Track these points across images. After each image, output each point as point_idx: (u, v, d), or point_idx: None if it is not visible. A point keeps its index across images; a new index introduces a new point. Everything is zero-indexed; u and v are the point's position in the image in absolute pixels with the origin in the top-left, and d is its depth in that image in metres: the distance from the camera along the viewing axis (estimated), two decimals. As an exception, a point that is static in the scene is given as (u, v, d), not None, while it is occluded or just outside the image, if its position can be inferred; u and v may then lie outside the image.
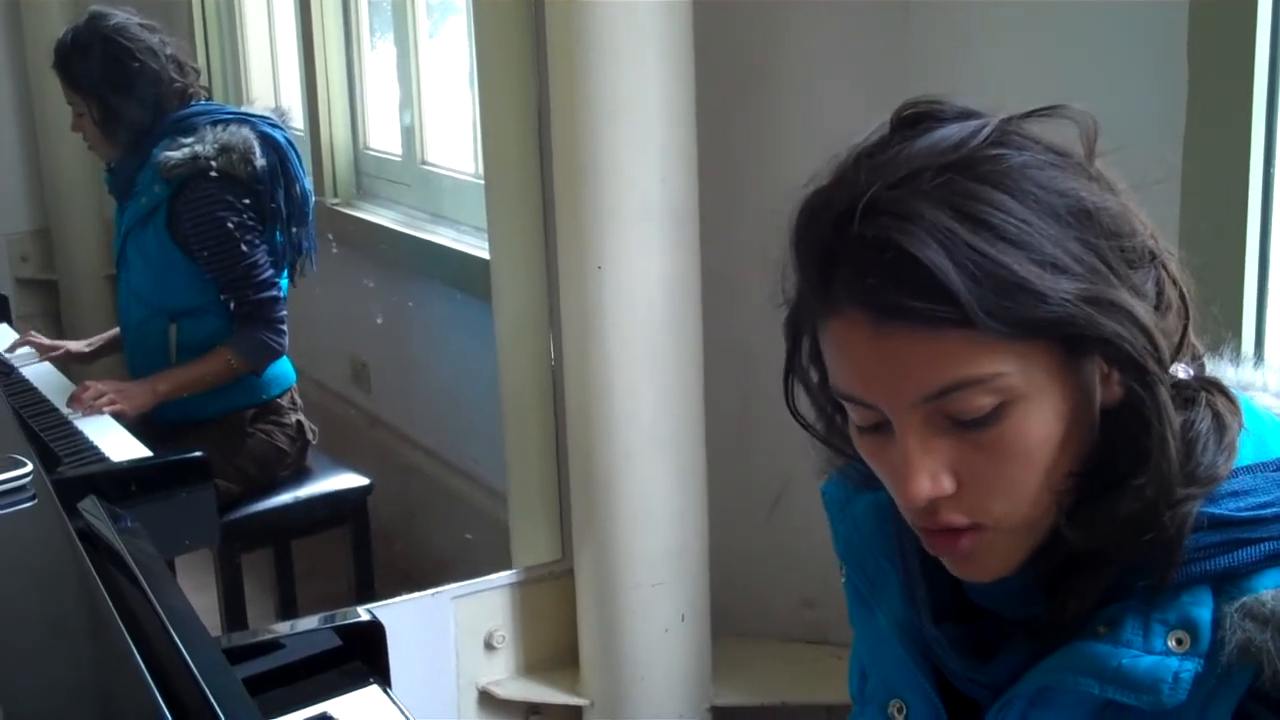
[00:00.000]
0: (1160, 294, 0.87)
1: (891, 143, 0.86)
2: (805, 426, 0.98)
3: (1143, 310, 0.84)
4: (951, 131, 0.85)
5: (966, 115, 0.87)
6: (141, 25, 2.67)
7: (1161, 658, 0.84)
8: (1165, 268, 0.88)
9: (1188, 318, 0.89)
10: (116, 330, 2.88)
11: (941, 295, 0.80)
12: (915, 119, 0.88)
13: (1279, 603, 0.82)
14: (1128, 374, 0.85)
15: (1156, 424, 0.85)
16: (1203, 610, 0.85)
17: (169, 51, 2.68)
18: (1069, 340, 0.83)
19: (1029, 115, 0.88)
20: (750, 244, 2.34)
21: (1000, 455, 0.85)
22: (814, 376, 0.94)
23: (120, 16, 2.66)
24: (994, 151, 0.84)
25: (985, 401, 0.83)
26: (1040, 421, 0.84)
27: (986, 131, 0.85)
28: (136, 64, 2.63)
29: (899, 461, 0.86)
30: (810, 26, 2.28)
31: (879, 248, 0.81)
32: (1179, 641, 0.84)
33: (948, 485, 0.85)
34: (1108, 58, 1.83)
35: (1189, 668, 0.83)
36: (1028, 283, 0.81)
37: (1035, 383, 0.84)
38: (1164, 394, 0.85)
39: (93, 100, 2.65)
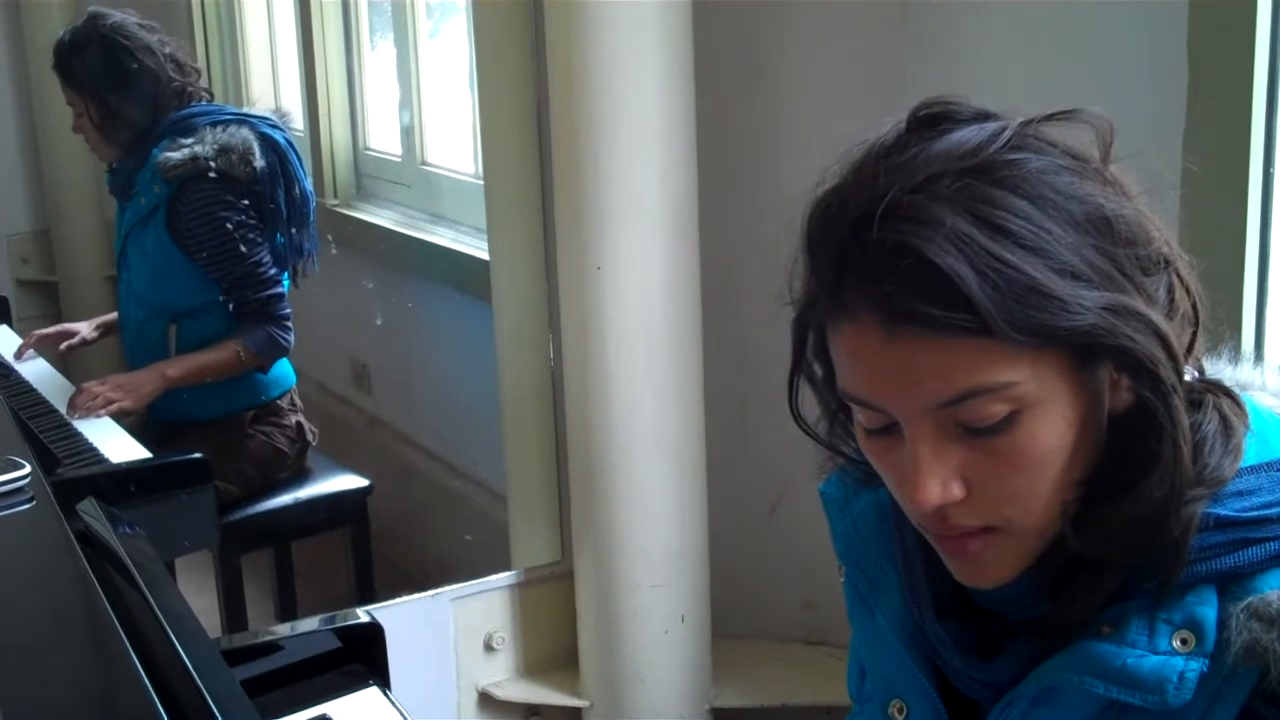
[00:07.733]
0: (1172, 299, 0.87)
1: (908, 143, 0.85)
2: (806, 430, 0.98)
3: (1159, 319, 0.84)
4: (970, 134, 0.84)
5: (984, 116, 0.86)
6: (140, 24, 2.66)
7: (1166, 657, 0.84)
8: (1178, 273, 0.88)
9: (1197, 323, 0.90)
10: (117, 314, 2.87)
11: (959, 303, 0.79)
12: (932, 119, 0.87)
13: None
14: (1142, 382, 0.84)
15: (1169, 430, 0.84)
16: (1208, 610, 0.84)
17: (168, 50, 2.68)
18: (1083, 348, 0.83)
19: (1047, 119, 0.87)
20: (750, 244, 2.37)
21: (1011, 463, 0.84)
22: (819, 372, 0.93)
23: (118, 16, 2.66)
24: (1013, 156, 0.83)
25: (998, 409, 0.83)
26: (1052, 429, 0.84)
27: (1006, 135, 0.84)
28: (135, 63, 2.62)
29: (909, 466, 0.85)
30: (810, 26, 2.28)
31: (896, 253, 0.80)
32: (1184, 641, 0.84)
33: (957, 491, 0.85)
34: (1107, 58, 1.83)
35: (1194, 668, 0.83)
36: (1048, 290, 0.80)
37: (1048, 390, 0.83)
38: (1177, 401, 0.85)
39: (91, 100, 2.64)
